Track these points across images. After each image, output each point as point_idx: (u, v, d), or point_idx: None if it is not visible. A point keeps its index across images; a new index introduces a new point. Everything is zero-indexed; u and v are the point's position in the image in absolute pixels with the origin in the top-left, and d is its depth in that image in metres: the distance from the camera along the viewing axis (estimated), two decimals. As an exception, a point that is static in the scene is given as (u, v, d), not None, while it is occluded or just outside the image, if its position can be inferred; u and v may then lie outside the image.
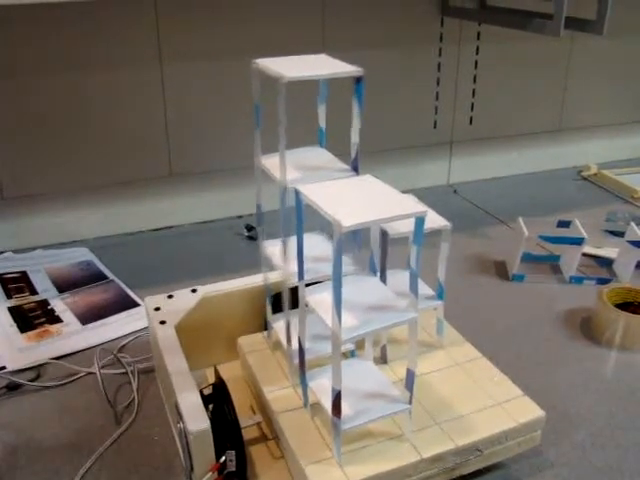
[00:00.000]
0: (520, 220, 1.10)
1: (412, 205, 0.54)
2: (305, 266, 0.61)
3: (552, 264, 1.15)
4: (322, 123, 0.68)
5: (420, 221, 0.54)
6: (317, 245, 0.68)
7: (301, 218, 0.58)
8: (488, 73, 1.41)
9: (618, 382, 0.85)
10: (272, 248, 0.69)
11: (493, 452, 0.66)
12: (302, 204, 0.57)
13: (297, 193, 0.57)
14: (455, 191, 1.45)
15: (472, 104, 1.42)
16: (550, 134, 1.55)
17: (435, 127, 1.40)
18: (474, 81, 1.40)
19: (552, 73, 1.49)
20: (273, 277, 0.74)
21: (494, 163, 1.52)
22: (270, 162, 0.65)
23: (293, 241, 0.62)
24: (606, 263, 1.15)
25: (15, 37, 1.05)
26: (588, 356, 0.91)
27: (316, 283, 0.63)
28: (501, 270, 1.13)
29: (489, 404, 0.68)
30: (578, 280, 1.08)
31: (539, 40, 1.37)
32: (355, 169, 0.62)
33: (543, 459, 0.72)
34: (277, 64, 0.61)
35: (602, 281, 1.07)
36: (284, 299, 0.66)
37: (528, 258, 1.12)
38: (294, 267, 0.62)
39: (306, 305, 0.61)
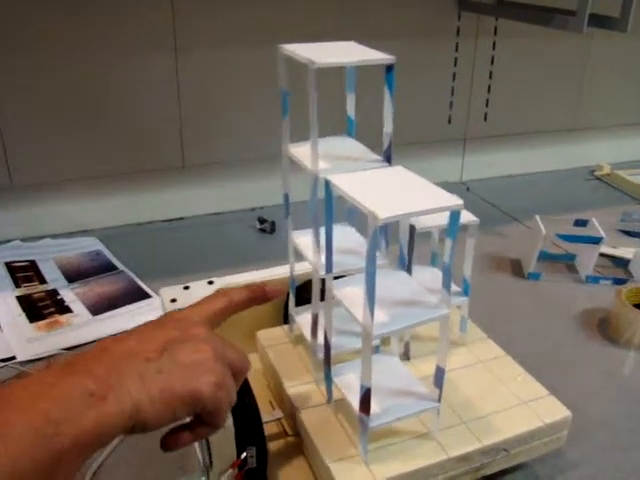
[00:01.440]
0: (537, 218, 1.09)
1: (448, 198, 0.52)
2: (333, 258, 0.60)
3: (567, 263, 1.13)
4: (351, 112, 0.66)
5: (456, 215, 0.52)
6: (345, 237, 0.66)
7: (331, 209, 0.56)
8: (504, 69, 1.39)
9: (638, 382, 0.84)
10: (299, 239, 0.67)
11: (519, 452, 0.65)
12: (333, 195, 0.56)
13: (328, 183, 0.55)
14: (468, 188, 1.44)
15: (487, 100, 1.41)
16: (564, 133, 1.54)
17: (449, 123, 1.39)
18: (490, 77, 1.38)
19: (568, 71, 1.48)
20: (296, 269, 0.73)
21: (507, 161, 1.50)
22: (298, 151, 0.63)
23: (321, 233, 0.61)
24: (622, 263, 1.13)
25: (28, 21, 1.03)
26: (606, 356, 0.90)
27: (341, 277, 0.61)
28: (516, 268, 1.12)
29: (515, 403, 0.67)
30: (594, 280, 1.07)
31: (556, 37, 1.36)
32: (388, 160, 0.60)
33: (565, 459, 0.71)
34: (305, 50, 0.59)
35: (618, 281, 1.06)
36: (314, 291, 0.65)
37: (543, 257, 1.11)
38: (322, 259, 0.60)
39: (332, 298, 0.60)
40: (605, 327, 0.95)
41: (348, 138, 0.67)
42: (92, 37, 1.08)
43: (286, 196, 0.68)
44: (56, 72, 1.08)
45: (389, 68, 0.57)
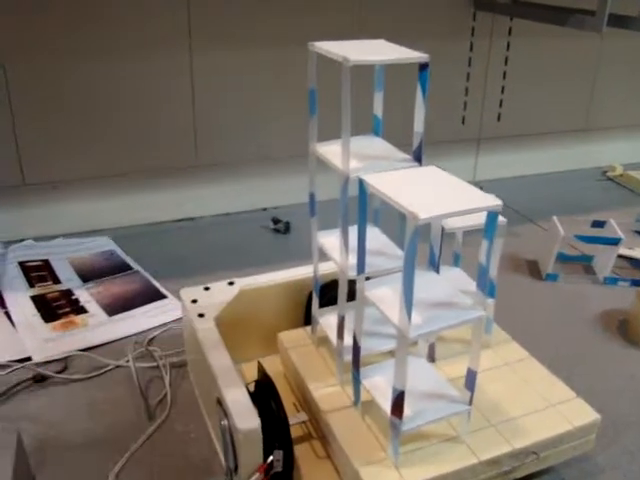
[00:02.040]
0: (555, 219, 1.08)
1: (486, 198, 0.52)
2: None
3: (584, 264, 1.13)
4: (378, 111, 0.65)
5: (494, 215, 0.51)
6: (371, 238, 0.65)
7: (365, 209, 0.55)
8: (518, 70, 1.39)
9: (661, 386, 0.83)
10: (324, 239, 0.66)
11: (548, 455, 0.64)
12: (366, 194, 0.55)
13: (362, 183, 0.54)
14: (481, 188, 1.43)
15: (501, 101, 1.40)
16: (576, 133, 1.53)
17: (463, 123, 1.38)
18: (504, 77, 1.38)
19: (580, 72, 1.47)
20: (320, 269, 0.72)
21: (520, 161, 1.50)
22: (327, 150, 0.62)
23: (347, 232, 0.60)
24: (638, 264, 1.12)
25: (42, 22, 1.02)
26: (628, 359, 0.89)
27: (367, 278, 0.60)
28: (533, 269, 1.11)
29: (543, 406, 0.66)
30: (612, 281, 1.06)
31: (569, 38, 1.35)
32: (418, 159, 0.59)
33: (592, 464, 0.70)
34: (336, 47, 0.58)
35: (637, 283, 1.05)
36: (340, 293, 0.64)
37: (560, 258, 1.10)
38: (352, 260, 0.60)
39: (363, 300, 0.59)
40: (625, 329, 0.94)
41: (375, 137, 0.66)
42: (106, 37, 1.07)
43: (312, 195, 0.67)
44: (70, 72, 1.07)
45: (423, 67, 0.56)
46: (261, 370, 0.67)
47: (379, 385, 0.61)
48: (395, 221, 0.67)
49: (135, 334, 0.90)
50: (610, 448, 0.72)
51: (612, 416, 0.77)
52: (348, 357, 0.65)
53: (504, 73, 1.37)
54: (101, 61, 1.08)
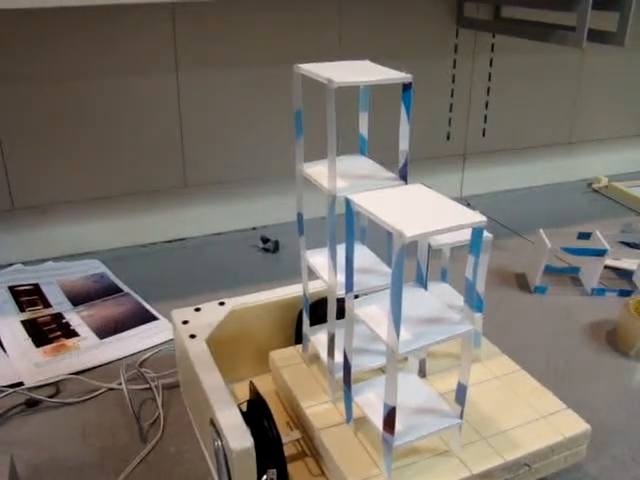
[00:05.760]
0: (541, 232, 1.09)
1: (471, 214, 0.53)
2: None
3: (571, 276, 1.14)
4: (364, 130, 0.66)
5: (479, 231, 0.52)
6: (359, 256, 0.66)
7: (352, 228, 0.56)
8: (501, 85, 1.41)
9: (651, 395, 0.84)
10: (312, 258, 0.67)
11: (540, 467, 0.64)
12: (353, 214, 0.56)
13: (348, 202, 0.55)
14: (468, 204, 1.44)
15: (485, 116, 1.42)
16: (561, 146, 1.55)
17: (448, 139, 1.40)
18: (487, 93, 1.40)
19: (563, 85, 1.49)
20: (310, 288, 0.72)
21: (506, 175, 1.52)
22: (313, 171, 0.63)
23: (335, 251, 0.61)
24: (625, 275, 1.14)
25: (27, 43, 1.03)
26: (618, 369, 0.90)
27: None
28: (522, 282, 1.12)
29: (533, 418, 0.66)
30: (600, 292, 1.07)
31: (551, 53, 1.38)
32: (404, 178, 0.60)
33: (584, 474, 0.71)
34: (321, 69, 0.59)
35: (624, 293, 1.07)
36: (330, 311, 0.64)
37: (548, 270, 1.11)
38: (340, 278, 0.60)
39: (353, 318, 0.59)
40: (614, 339, 0.95)
41: (361, 156, 0.67)
42: (92, 59, 1.08)
43: (300, 215, 0.67)
44: (57, 95, 1.08)
45: (407, 87, 0.57)
46: (253, 390, 0.68)
47: (371, 402, 0.62)
48: (383, 238, 0.68)
49: (127, 356, 0.90)
50: (601, 458, 0.73)
51: (603, 426, 0.78)
52: (339, 374, 0.65)
53: (488, 89, 1.40)
54: (87, 83, 1.09)
